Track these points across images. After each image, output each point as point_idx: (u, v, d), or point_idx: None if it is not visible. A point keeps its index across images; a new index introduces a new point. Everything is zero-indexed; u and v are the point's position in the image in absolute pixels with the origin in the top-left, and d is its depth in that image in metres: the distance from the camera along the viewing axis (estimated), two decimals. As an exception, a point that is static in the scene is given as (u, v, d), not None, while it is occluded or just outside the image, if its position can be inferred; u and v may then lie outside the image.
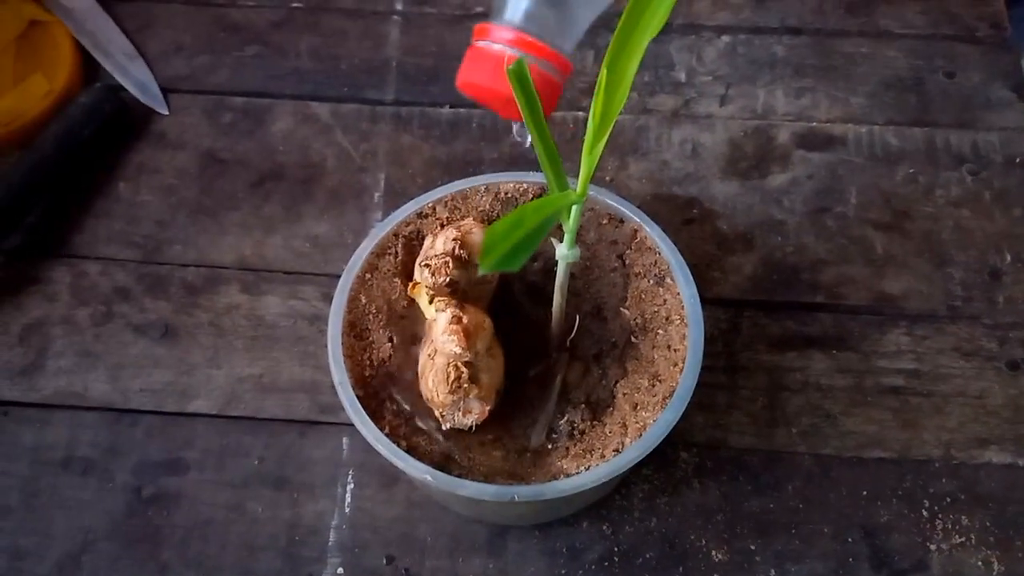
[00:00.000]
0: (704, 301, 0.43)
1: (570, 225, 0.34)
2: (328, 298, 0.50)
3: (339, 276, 0.44)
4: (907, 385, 0.51)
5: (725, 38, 0.62)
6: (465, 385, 0.39)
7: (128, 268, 0.54)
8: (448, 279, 0.40)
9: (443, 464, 0.41)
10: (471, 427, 0.41)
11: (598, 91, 0.30)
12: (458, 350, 0.38)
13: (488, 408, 0.40)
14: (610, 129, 0.30)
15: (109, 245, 0.55)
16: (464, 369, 0.39)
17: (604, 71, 0.29)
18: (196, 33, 0.63)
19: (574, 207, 0.34)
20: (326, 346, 0.42)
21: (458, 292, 0.41)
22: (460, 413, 0.40)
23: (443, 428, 0.41)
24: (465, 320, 0.38)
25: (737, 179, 0.57)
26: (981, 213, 0.56)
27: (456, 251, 0.41)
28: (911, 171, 0.57)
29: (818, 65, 0.61)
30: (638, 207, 0.46)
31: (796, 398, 0.50)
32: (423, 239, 0.46)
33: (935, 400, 0.50)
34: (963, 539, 0.47)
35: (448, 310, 0.39)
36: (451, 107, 0.60)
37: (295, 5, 0.64)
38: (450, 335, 0.38)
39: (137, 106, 0.60)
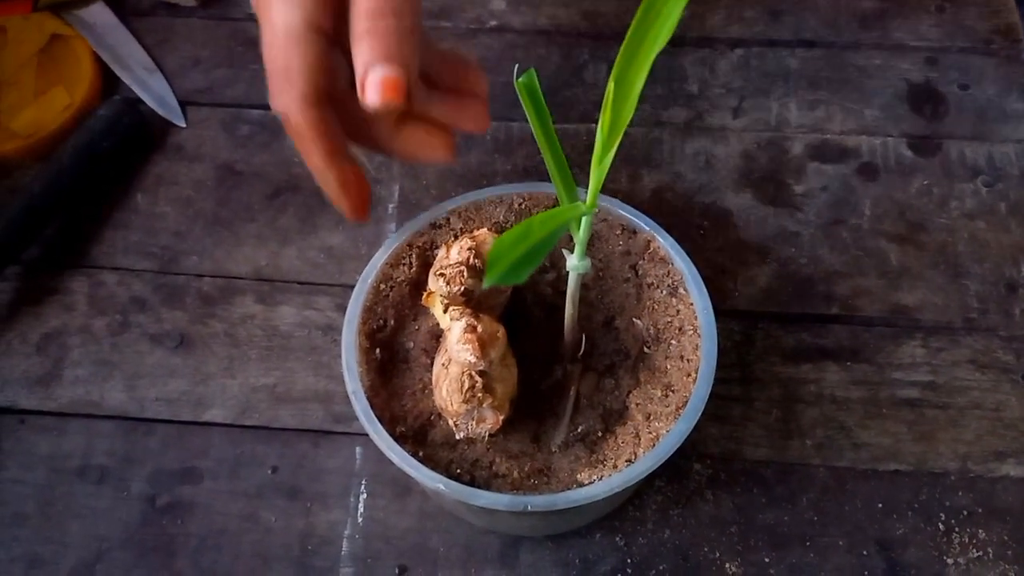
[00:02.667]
0: (718, 313, 0.43)
1: (580, 236, 0.35)
2: (342, 309, 0.50)
3: (353, 287, 0.45)
4: (923, 397, 0.50)
5: (739, 51, 0.62)
6: (479, 395, 0.39)
7: (145, 278, 0.55)
8: (463, 288, 0.40)
9: (456, 474, 0.41)
10: (484, 437, 0.41)
11: (606, 104, 0.30)
12: (473, 359, 0.38)
13: (502, 418, 0.40)
14: (618, 141, 0.30)
15: (126, 255, 0.56)
16: (478, 379, 0.39)
17: (611, 84, 0.29)
18: (214, 47, 0.63)
19: (584, 218, 0.34)
20: (340, 356, 0.43)
21: (472, 301, 0.41)
22: (474, 423, 0.40)
23: (456, 438, 0.41)
24: (480, 329, 0.39)
25: (751, 191, 0.57)
26: (997, 225, 0.55)
27: (471, 260, 0.41)
28: (925, 183, 0.57)
29: (832, 77, 0.61)
30: (651, 218, 0.46)
31: (811, 410, 0.50)
32: (437, 250, 0.46)
33: (951, 413, 0.50)
34: (980, 553, 0.46)
35: (463, 319, 0.39)
36: (465, 119, 0.60)
37: (311, 19, 0.65)
38: (465, 344, 0.38)
39: (155, 119, 0.60)
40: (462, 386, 0.39)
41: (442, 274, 0.41)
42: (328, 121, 0.39)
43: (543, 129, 0.30)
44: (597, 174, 0.32)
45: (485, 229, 0.44)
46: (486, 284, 0.27)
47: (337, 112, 0.39)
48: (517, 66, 0.30)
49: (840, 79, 0.61)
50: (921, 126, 0.59)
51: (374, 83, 0.36)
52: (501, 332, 0.39)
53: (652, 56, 0.28)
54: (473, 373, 0.39)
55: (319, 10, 0.37)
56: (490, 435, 0.41)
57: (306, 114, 0.38)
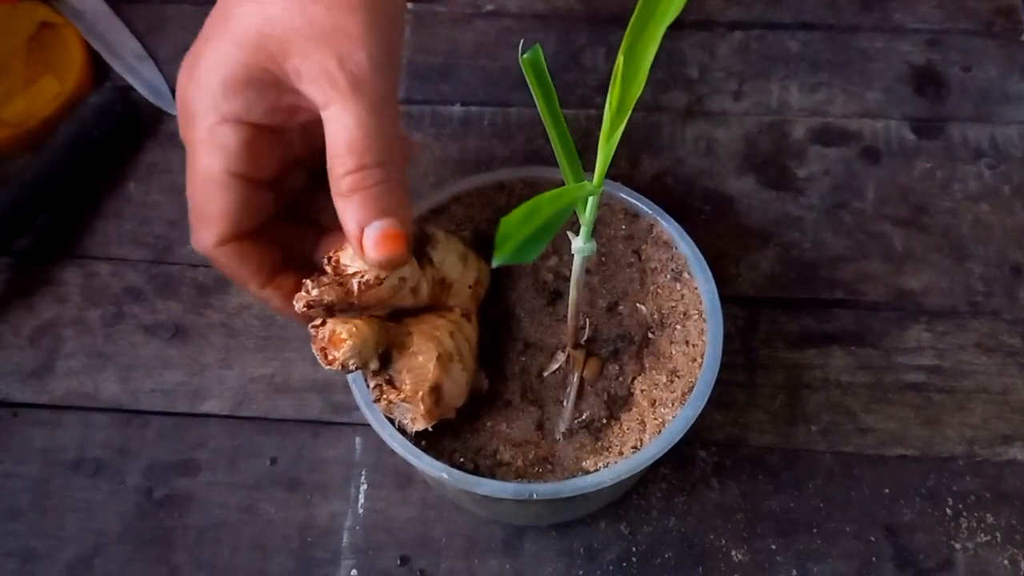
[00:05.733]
0: (721, 298, 0.42)
1: (586, 217, 0.34)
2: (340, 297, 0.49)
3: (352, 274, 0.44)
4: (928, 382, 0.50)
5: (738, 34, 0.62)
6: (383, 388, 0.38)
7: (139, 268, 0.54)
8: (305, 303, 0.37)
9: (459, 463, 0.40)
10: (412, 429, 0.39)
11: (615, 79, 0.29)
12: (325, 366, 0.36)
13: (423, 409, 0.38)
14: (627, 117, 0.29)
15: (120, 246, 0.55)
16: (379, 376, 0.38)
17: (621, 58, 0.28)
18: (206, 34, 0.62)
19: (590, 199, 0.33)
20: (339, 344, 0.42)
21: (334, 311, 0.38)
22: (401, 416, 0.39)
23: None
24: (319, 335, 0.37)
25: (752, 175, 0.56)
26: (1001, 208, 0.55)
27: (329, 266, 0.38)
28: (928, 166, 0.57)
29: (833, 60, 0.60)
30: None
31: (816, 395, 0.49)
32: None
33: (957, 397, 0.49)
34: (988, 538, 0.46)
35: (309, 328, 0.37)
36: (462, 105, 0.59)
37: (305, 5, 0.64)
38: (316, 351, 0.37)
39: (147, 107, 0.59)
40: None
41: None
42: (251, 252, 0.40)
43: (549, 107, 0.30)
44: (605, 152, 0.31)
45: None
46: (495, 264, 0.27)
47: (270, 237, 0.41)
48: (522, 41, 0.29)
49: (841, 62, 0.60)
50: (923, 108, 0.59)
51: (373, 240, 0.36)
52: (351, 331, 0.36)
53: (663, 28, 0.27)
54: (370, 368, 0.38)
55: (242, 161, 0.38)
56: (491, 424, 0.40)
57: (221, 253, 0.39)
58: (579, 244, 0.35)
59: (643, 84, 0.29)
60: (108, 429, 0.49)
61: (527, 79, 0.29)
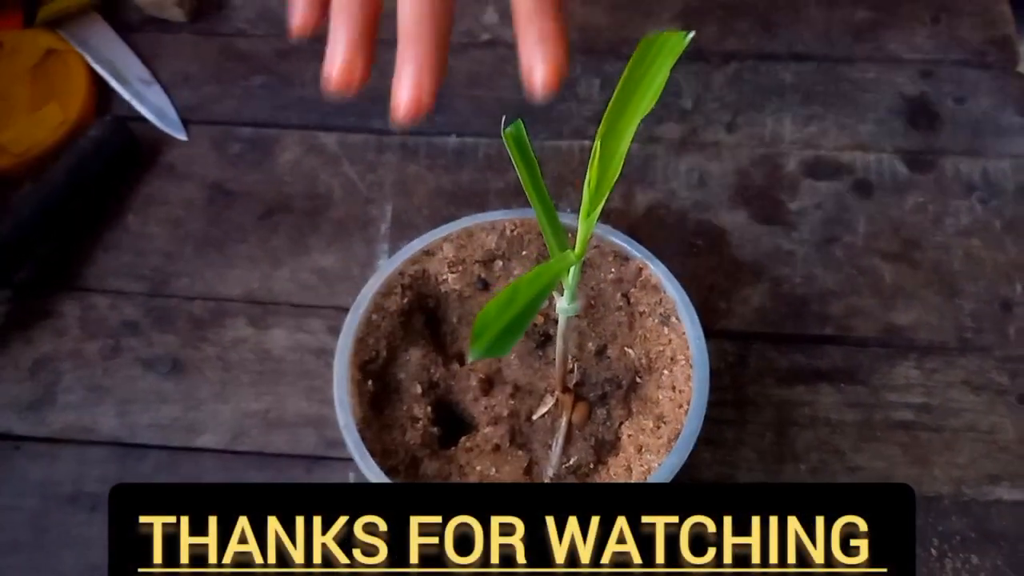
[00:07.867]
0: (711, 334, 0.43)
1: (570, 283, 0.34)
2: (334, 331, 0.50)
3: (345, 309, 0.44)
4: (917, 420, 0.50)
5: (733, 65, 0.62)
6: None
7: (136, 301, 0.55)
8: None
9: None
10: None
11: (592, 161, 0.30)
12: None
13: None
14: (605, 197, 0.30)
15: (118, 278, 0.55)
16: None
17: (598, 143, 0.29)
18: (203, 63, 0.63)
19: (573, 267, 0.34)
20: (332, 380, 0.42)
21: None
22: None
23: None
24: None
25: (745, 209, 0.57)
26: (992, 243, 0.55)
27: None
28: (920, 200, 0.57)
29: (826, 92, 0.61)
30: (644, 238, 0.46)
31: (805, 433, 0.50)
32: (428, 278, 0.46)
33: (945, 435, 0.50)
34: (973, 579, 0.46)
35: None
36: (457, 136, 0.60)
37: (302, 33, 0.64)
38: None
39: (146, 138, 0.60)
40: None
41: None
42: None
43: (532, 180, 0.30)
44: (585, 227, 0.31)
45: None
46: (470, 359, 0.27)
47: None
48: (504, 117, 0.29)
49: (834, 93, 0.61)
50: (916, 141, 0.59)
51: (544, 71, 0.35)
52: None
53: (635, 123, 0.28)
54: None
55: None
56: (480, 469, 0.41)
57: None
58: (563, 305, 0.36)
59: (620, 167, 0.29)
60: (105, 463, 0.50)
61: (510, 154, 0.29)
